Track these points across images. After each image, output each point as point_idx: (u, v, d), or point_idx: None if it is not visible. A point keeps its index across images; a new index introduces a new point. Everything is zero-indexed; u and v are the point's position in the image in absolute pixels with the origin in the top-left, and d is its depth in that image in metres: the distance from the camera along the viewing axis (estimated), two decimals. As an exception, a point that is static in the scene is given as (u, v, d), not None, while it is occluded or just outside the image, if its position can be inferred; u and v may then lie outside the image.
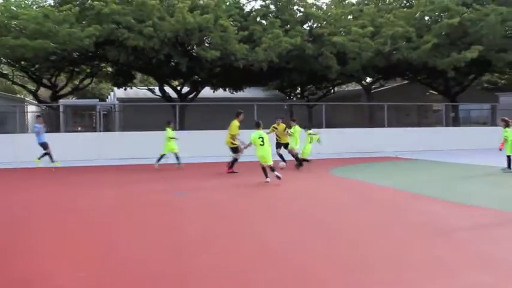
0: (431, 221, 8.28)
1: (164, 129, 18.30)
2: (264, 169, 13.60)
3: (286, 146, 18.12)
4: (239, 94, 35.82)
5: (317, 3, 30.25)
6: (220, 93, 35.77)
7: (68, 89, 36.12)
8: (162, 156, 18.01)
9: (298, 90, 41.50)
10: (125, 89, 34.82)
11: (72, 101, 41.25)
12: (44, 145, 18.68)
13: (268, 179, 13.35)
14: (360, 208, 9.69)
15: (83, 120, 41.68)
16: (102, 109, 37.86)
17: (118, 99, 37.37)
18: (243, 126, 16.50)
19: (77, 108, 38.52)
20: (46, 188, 13.32)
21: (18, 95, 43.04)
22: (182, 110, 29.01)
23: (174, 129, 18.77)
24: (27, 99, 40.10)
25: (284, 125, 18.09)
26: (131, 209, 9.82)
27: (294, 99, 42.38)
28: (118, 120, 34.89)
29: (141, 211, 9.56)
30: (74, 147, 21.87)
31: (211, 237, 7.30)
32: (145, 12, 25.32)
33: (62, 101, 35.14)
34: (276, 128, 18.15)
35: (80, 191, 12.47)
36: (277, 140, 18.21)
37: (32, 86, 35.68)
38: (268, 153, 13.42)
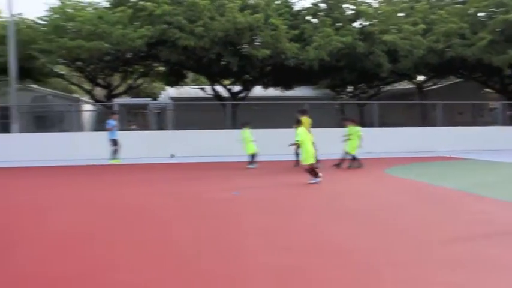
0: (494, 219, 8.09)
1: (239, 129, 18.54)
2: (312, 169, 13.49)
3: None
4: (290, 93, 35.82)
5: (367, 0, 29.83)
6: (271, 92, 35.86)
7: (121, 88, 36.87)
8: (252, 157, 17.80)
9: (350, 88, 41.09)
10: (177, 88, 35.34)
11: (126, 100, 42.07)
12: (114, 141, 19.56)
13: (317, 179, 13.11)
14: (420, 208, 9.52)
15: (137, 119, 42.41)
16: (155, 108, 38.70)
17: (170, 98, 37.95)
18: (290, 124, 16.43)
19: (131, 107, 39.37)
20: (112, 186, 13.58)
21: (75, 95, 44.17)
22: (233, 109, 29.26)
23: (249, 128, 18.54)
24: (83, 98, 41.09)
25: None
26: (192, 207, 9.93)
27: (345, 97, 41.99)
28: (171, 118, 35.39)
29: (202, 209, 9.68)
30: (128, 145, 22.33)
31: (271, 234, 7.33)
32: (197, 12, 25.66)
33: (116, 100, 35.95)
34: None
35: (137, 189, 12.69)
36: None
37: (87, 86, 36.58)
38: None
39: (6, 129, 25.78)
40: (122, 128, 31.40)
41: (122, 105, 35.83)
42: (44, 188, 13.31)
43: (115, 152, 19.96)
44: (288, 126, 17.95)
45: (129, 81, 36.63)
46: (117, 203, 10.51)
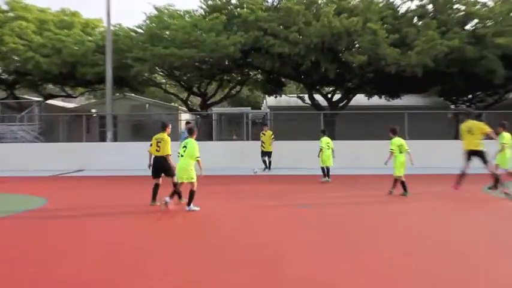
0: None
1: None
2: (402, 182, 13.38)
3: (270, 154, 22.27)
4: (396, 102, 35.10)
5: (481, 0, 28.59)
6: (375, 100, 35.36)
7: (218, 96, 38.09)
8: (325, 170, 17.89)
9: (466, 97, 39.41)
10: (276, 97, 35.86)
11: (223, 109, 43.32)
12: None
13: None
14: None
15: (239, 128, 43.49)
16: (255, 117, 39.47)
17: (269, 107, 38.59)
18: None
19: (231, 116, 40.53)
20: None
21: (173, 104, 46.32)
22: (332, 118, 29.23)
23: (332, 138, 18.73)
24: (181, 107, 42.96)
25: (271, 133, 22.64)
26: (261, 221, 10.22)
27: (462, 106, 40.32)
28: (269, 129, 35.95)
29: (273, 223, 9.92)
30: (219, 156, 23.13)
31: (352, 253, 7.42)
32: (291, 18, 26.02)
33: (215, 109, 37.21)
34: (263, 135, 22.50)
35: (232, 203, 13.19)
36: (262, 148, 22.37)
37: (184, 95, 38.23)
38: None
39: (104, 137, 27.67)
40: (221, 138, 32.72)
41: (221, 115, 37.12)
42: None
43: None
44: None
45: (226, 90, 37.78)
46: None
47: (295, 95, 36.39)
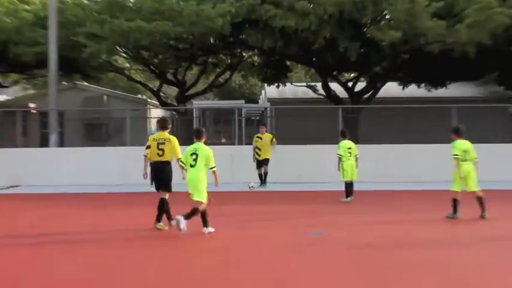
0: None
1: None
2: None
3: (267, 162, 21.91)
4: (440, 92, 35.09)
5: None
6: (412, 91, 35.34)
7: (200, 86, 38.07)
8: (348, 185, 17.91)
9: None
10: (278, 87, 35.77)
11: (208, 102, 43.27)
12: None
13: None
14: None
15: (229, 128, 43.32)
16: (250, 113, 39.40)
17: (269, 100, 38.52)
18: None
19: (219, 112, 40.40)
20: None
21: (140, 96, 46.20)
22: (354, 115, 29.19)
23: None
24: (151, 100, 42.92)
25: (271, 136, 22.36)
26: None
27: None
28: (269, 128, 35.82)
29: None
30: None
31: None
32: (298, -19, 25.98)
33: (196, 103, 37.13)
34: (260, 139, 22.05)
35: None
36: (256, 156, 22.00)
37: (155, 84, 38.18)
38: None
39: (46, 141, 27.55)
40: (205, 141, 32.50)
41: (205, 110, 37.12)
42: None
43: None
44: (440, 139, 17.79)
45: (211, 77, 37.76)
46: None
47: (304, 84, 36.33)
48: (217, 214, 13.18)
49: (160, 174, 12.92)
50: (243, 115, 31.45)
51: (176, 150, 12.83)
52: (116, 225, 13.65)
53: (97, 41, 27.02)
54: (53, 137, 26.26)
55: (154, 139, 12.99)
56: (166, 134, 13.09)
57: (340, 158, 17.52)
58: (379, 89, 32.66)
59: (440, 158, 20.29)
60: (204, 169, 12.02)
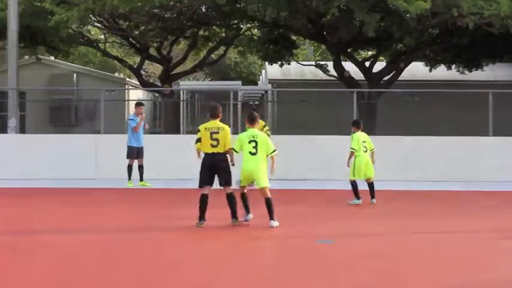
0: None
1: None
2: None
3: None
4: (475, 74, 35.00)
5: None
6: (442, 72, 35.30)
7: (188, 64, 38.01)
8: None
9: None
10: (281, 65, 35.67)
11: (198, 83, 43.12)
12: (130, 151, 20.59)
13: None
14: None
15: (222, 114, 43.33)
16: (248, 97, 39.28)
17: (271, 81, 38.34)
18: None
19: (211, 95, 40.09)
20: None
21: (117, 74, 46.08)
22: (372, 101, 29.14)
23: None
24: (130, 80, 42.84)
25: (263, 123, 20.45)
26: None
27: None
28: (270, 115, 35.76)
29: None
30: (190, 158, 22.63)
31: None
32: None
33: (184, 84, 37.01)
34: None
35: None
36: None
37: (135, 61, 38.04)
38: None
39: (4, 126, 27.45)
40: (194, 129, 32.36)
41: (193, 93, 37.00)
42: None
43: (129, 168, 21.14)
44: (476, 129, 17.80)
45: (202, 53, 37.68)
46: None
47: (313, 63, 36.22)
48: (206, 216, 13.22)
49: (218, 168, 13.35)
50: (240, 99, 31.37)
51: (228, 140, 13.31)
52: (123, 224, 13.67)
53: (67, 8, 26.92)
54: (12, 121, 26.05)
55: (206, 128, 13.38)
56: (218, 122, 13.50)
57: (352, 152, 17.37)
58: (402, 70, 32.56)
59: (479, 151, 20.42)
60: (265, 156, 13.15)
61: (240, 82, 39.04)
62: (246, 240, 12.49)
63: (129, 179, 20.88)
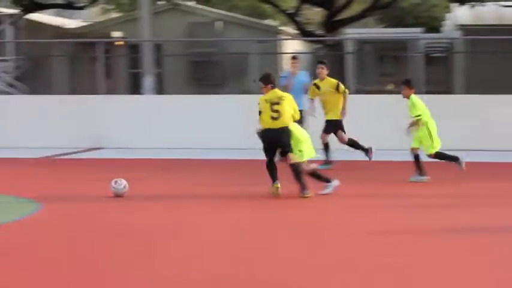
0: None
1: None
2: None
3: (336, 127, 19.21)
4: None
5: None
6: None
7: (355, 9, 37.35)
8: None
9: None
10: (473, 7, 34.87)
11: (368, 30, 42.37)
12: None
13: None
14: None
15: (400, 69, 42.28)
16: (431, 48, 38.30)
17: (460, 28, 37.30)
18: None
19: (383, 45, 39.32)
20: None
21: (268, 22, 45.84)
22: None
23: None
24: (284, 29, 42.53)
25: (335, 81, 19.29)
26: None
27: None
28: (459, 70, 34.86)
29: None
30: (362, 124, 22.20)
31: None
32: None
33: (351, 32, 36.30)
34: (317, 87, 19.51)
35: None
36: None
37: (290, 6, 37.71)
38: None
39: (137, 86, 27.48)
40: (363, 88, 31.88)
41: (362, 42, 36.28)
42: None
43: None
44: None
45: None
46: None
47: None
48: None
49: (273, 140, 14.19)
50: (422, 50, 30.44)
51: (289, 109, 14.24)
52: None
53: None
54: (148, 80, 26.10)
55: (267, 100, 14.14)
56: (278, 91, 14.41)
57: (419, 119, 16.90)
58: None
59: None
60: None
61: (420, 29, 38.08)
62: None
63: None
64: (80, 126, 23.55)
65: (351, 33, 36.44)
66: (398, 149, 20.71)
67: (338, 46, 34.44)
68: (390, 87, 35.39)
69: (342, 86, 19.31)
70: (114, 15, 47.29)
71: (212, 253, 10.05)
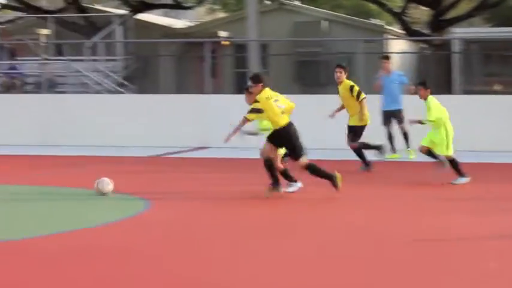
0: None
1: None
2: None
3: (357, 132, 18.89)
4: None
5: None
6: None
7: (463, 7, 36.98)
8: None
9: None
10: None
11: (477, 30, 41.81)
12: (387, 115, 20.03)
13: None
14: None
15: (506, 69, 41.59)
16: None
17: None
18: None
19: (492, 45, 38.70)
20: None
21: (373, 21, 45.55)
22: None
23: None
24: (389, 28, 42.25)
25: (350, 83, 18.61)
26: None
27: None
28: None
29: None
30: (466, 124, 21.92)
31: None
32: None
33: (458, 31, 35.95)
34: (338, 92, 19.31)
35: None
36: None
37: (396, 4, 37.49)
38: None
39: (242, 85, 27.69)
40: (468, 88, 31.53)
41: (468, 42, 35.92)
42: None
43: (390, 137, 20.90)
44: None
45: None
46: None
47: None
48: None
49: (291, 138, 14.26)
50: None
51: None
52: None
53: None
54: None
55: (267, 98, 14.05)
56: (269, 90, 14.44)
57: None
58: None
59: None
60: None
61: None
62: None
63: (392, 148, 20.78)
64: (187, 126, 23.98)
65: (458, 32, 36.12)
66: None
67: (444, 46, 34.10)
68: (498, 87, 34.95)
69: (355, 89, 18.61)
70: (221, 15, 47.68)
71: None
